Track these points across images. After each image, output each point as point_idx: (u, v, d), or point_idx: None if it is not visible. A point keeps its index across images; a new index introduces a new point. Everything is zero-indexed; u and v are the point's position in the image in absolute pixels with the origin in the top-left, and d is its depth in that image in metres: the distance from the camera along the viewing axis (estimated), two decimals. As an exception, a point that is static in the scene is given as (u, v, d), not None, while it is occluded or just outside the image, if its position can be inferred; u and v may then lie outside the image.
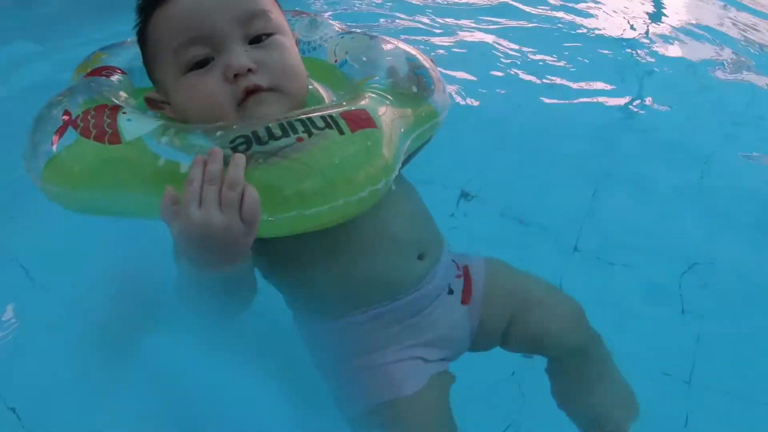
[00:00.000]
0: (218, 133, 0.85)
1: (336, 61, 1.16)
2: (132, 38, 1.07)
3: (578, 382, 1.22)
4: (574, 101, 2.36)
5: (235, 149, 0.82)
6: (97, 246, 1.49)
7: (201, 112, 0.94)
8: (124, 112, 0.90)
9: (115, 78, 1.06)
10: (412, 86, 1.05)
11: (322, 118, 0.87)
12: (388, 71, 1.06)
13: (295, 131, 0.84)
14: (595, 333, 1.23)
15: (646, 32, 3.16)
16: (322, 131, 0.85)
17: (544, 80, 2.44)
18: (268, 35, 0.99)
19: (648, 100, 2.43)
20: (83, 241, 1.44)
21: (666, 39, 3.11)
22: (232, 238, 0.79)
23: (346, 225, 0.90)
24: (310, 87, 1.08)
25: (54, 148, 0.89)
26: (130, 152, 0.85)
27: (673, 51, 2.99)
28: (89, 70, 1.08)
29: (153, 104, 1.02)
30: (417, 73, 1.08)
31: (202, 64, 0.95)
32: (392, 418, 1.02)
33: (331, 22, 1.27)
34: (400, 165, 0.96)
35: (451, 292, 1.12)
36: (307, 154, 0.82)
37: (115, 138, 0.86)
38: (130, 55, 1.14)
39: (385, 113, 0.95)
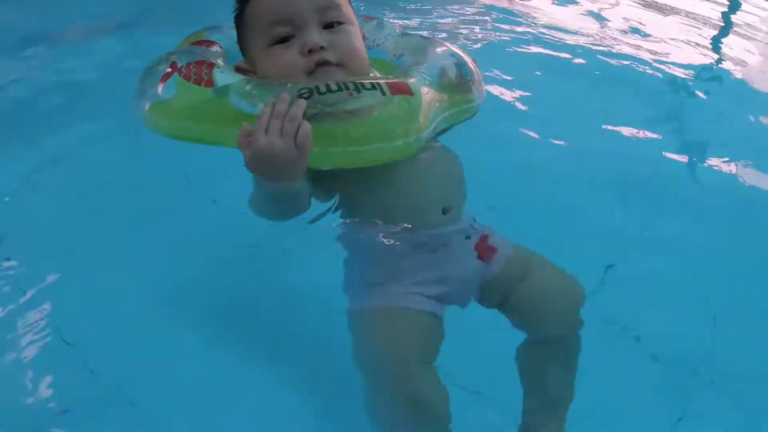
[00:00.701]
0: (288, 85, 1.08)
1: (394, 55, 1.40)
2: (227, 23, 1.34)
3: (543, 365, 1.33)
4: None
5: (300, 96, 1.05)
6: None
7: (279, 77, 1.17)
8: (218, 67, 1.15)
9: (213, 48, 1.33)
10: (452, 76, 1.27)
11: (371, 83, 1.10)
12: (433, 62, 1.29)
13: (348, 89, 1.07)
14: (580, 322, 1.32)
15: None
16: (369, 91, 1.08)
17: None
18: (339, 23, 1.23)
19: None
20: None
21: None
22: (288, 160, 1.01)
23: (386, 168, 1.13)
24: (370, 74, 1.30)
25: (159, 90, 1.15)
26: (218, 97, 1.10)
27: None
28: (192, 41, 1.35)
29: (242, 72, 1.25)
30: (458, 65, 1.30)
31: (284, 40, 1.19)
32: (375, 322, 1.19)
33: (393, 23, 1.51)
34: (431, 129, 1.17)
35: (468, 237, 1.28)
36: (355, 105, 1.05)
37: (210, 83, 1.10)
38: (225, 36, 1.40)
39: (424, 90, 1.17)
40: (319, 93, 1.05)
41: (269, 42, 1.20)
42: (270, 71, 1.20)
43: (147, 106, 1.16)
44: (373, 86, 1.08)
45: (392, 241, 1.22)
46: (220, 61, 1.26)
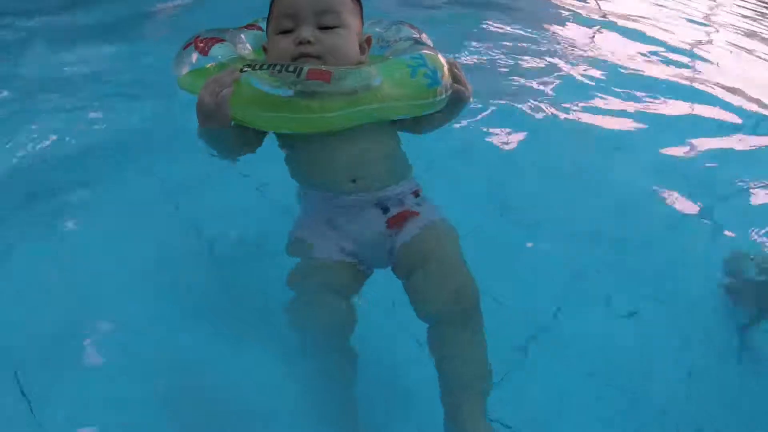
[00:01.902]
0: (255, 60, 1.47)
1: (390, 54, 1.63)
2: None
3: (440, 348, 1.45)
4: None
5: (241, 70, 1.39)
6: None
7: (273, 57, 1.53)
8: (221, 42, 1.55)
9: (254, 32, 1.72)
10: (421, 76, 1.46)
11: (294, 67, 1.38)
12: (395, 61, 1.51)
13: (274, 68, 1.37)
14: (470, 320, 1.44)
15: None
16: (288, 73, 1.36)
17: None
18: (334, 27, 1.52)
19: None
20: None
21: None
22: (208, 111, 1.38)
23: (305, 142, 1.51)
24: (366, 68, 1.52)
25: (193, 59, 1.55)
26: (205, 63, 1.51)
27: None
28: (247, 24, 1.76)
29: (265, 50, 1.63)
30: (414, 66, 1.47)
31: (286, 31, 1.53)
32: (298, 251, 1.56)
33: (411, 28, 1.75)
34: (351, 112, 1.39)
35: (386, 211, 1.56)
36: (274, 83, 1.36)
37: (205, 53, 1.52)
38: None
39: (364, 79, 1.39)
40: (254, 68, 1.38)
41: (276, 30, 1.54)
42: (272, 52, 1.56)
43: (174, 64, 1.59)
44: (294, 69, 1.37)
45: (319, 200, 1.60)
46: (245, 41, 1.64)
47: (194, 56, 1.52)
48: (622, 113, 2.92)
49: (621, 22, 4.61)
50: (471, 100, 1.63)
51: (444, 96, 1.51)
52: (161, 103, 2.47)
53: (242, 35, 1.67)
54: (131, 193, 2.06)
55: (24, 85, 2.68)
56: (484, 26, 4.04)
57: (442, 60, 1.54)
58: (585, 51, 3.78)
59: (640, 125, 2.82)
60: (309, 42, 1.48)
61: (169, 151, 2.21)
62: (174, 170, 2.14)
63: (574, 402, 1.62)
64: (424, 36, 1.74)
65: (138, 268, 1.78)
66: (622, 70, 3.49)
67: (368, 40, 1.64)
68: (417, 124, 1.62)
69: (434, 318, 1.46)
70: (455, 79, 1.56)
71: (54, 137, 2.26)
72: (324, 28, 1.51)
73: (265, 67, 1.38)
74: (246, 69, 1.39)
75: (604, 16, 4.79)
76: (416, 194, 1.64)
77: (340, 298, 1.49)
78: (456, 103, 1.58)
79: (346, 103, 1.38)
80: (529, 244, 2.07)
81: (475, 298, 1.46)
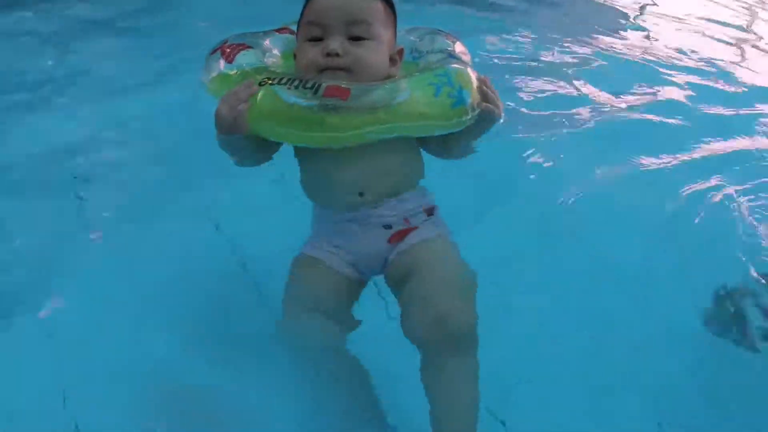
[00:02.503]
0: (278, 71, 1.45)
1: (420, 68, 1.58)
2: None
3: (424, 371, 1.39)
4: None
5: (260, 83, 1.39)
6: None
7: (301, 66, 1.51)
8: (248, 49, 1.54)
9: (285, 35, 1.69)
10: (445, 95, 1.41)
11: (313, 83, 1.36)
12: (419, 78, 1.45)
13: (291, 83, 1.37)
14: (457, 349, 1.36)
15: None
16: (306, 89, 1.35)
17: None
18: (363, 39, 1.48)
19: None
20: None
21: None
22: (225, 122, 1.41)
23: (313, 156, 1.52)
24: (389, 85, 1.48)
25: (221, 66, 1.54)
26: (230, 70, 1.50)
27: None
28: (278, 28, 1.73)
29: (295, 56, 1.60)
30: (437, 84, 1.42)
31: (315, 39, 1.50)
32: (295, 264, 1.59)
33: (446, 38, 1.68)
34: (367, 129, 1.36)
35: (388, 227, 1.55)
36: (291, 97, 1.36)
37: (230, 60, 1.52)
38: None
39: (383, 98, 1.37)
40: (272, 82, 1.38)
41: (305, 38, 1.51)
42: (300, 61, 1.53)
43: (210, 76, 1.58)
44: (312, 86, 1.35)
45: (326, 214, 1.62)
46: (274, 47, 1.63)
47: (221, 63, 1.51)
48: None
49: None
50: (502, 118, 1.56)
51: (469, 116, 1.46)
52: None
53: (271, 40, 1.65)
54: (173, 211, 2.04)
55: (61, 88, 2.75)
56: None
57: (472, 77, 1.49)
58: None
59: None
60: (337, 54, 1.45)
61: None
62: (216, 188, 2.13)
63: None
64: (458, 46, 1.67)
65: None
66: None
67: (400, 52, 1.60)
68: (444, 143, 1.57)
69: (418, 343, 1.40)
70: (484, 97, 1.50)
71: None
72: (354, 38, 1.47)
73: (284, 81, 1.37)
74: (265, 82, 1.38)
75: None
76: (430, 212, 1.60)
77: (328, 319, 1.49)
78: (485, 122, 1.52)
79: (363, 122, 1.36)
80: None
81: (462, 325, 1.37)
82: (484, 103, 1.49)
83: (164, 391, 1.50)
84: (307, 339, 1.48)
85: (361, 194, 1.53)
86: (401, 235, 1.55)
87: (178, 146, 2.30)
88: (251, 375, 1.53)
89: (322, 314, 1.49)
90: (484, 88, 1.51)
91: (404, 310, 1.45)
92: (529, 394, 1.58)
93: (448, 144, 1.59)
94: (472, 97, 1.45)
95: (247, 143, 1.48)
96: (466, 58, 1.64)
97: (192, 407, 1.49)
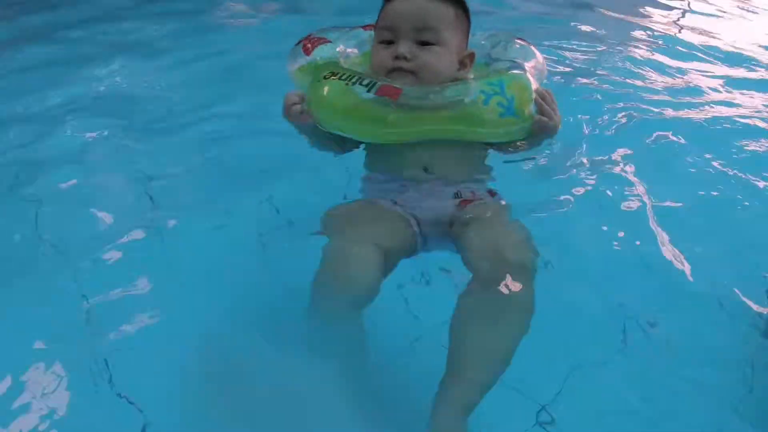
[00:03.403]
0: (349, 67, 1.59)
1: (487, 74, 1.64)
2: None
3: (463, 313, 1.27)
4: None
5: (332, 75, 1.52)
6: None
7: (373, 66, 1.63)
8: (327, 43, 1.66)
9: (369, 31, 1.78)
10: (494, 104, 1.48)
11: (369, 80, 1.47)
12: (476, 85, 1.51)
13: (351, 79, 1.48)
14: (507, 287, 1.25)
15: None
16: (360, 86, 1.46)
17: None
18: (432, 44, 1.57)
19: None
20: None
21: None
22: (286, 118, 1.58)
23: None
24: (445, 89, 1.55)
25: (300, 57, 1.67)
26: (308, 64, 1.63)
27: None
28: (365, 25, 1.84)
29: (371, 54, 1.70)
30: (487, 94, 1.49)
31: (387, 42, 1.61)
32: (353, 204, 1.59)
33: (519, 46, 1.74)
34: (396, 130, 1.48)
35: (457, 195, 1.53)
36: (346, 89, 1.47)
37: (308, 53, 1.65)
38: None
39: (433, 102, 1.45)
40: (334, 77, 1.51)
41: (378, 40, 1.64)
42: (372, 60, 1.65)
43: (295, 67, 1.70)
44: (367, 84, 1.46)
45: (384, 179, 1.63)
46: (354, 43, 1.76)
47: (301, 54, 1.65)
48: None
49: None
50: (557, 130, 1.59)
51: (518, 127, 1.51)
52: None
53: (353, 36, 1.77)
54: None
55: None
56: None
57: (529, 88, 1.53)
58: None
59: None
60: (405, 58, 1.55)
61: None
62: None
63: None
64: (533, 55, 1.72)
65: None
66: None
67: (471, 56, 1.67)
68: (500, 148, 1.63)
69: (472, 269, 1.34)
70: (540, 109, 1.54)
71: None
72: (422, 43, 1.57)
73: (344, 77, 1.49)
74: (327, 76, 1.51)
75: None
76: (492, 194, 1.59)
77: (378, 251, 1.32)
78: (538, 133, 1.57)
79: (411, 121, 1.46)
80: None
81: (522, 263, 1.31)
82: (537, 116, 1.53)
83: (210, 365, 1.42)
84: (350, 270, 1.28)
85: (425, 169, 1.58)
86: (468, 202, 1.54)
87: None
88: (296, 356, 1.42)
89: (377, 247, 1.32)
90: (540, 100, 1.55)
91: (466, 244, 1.40)
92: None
93: (504, 149, 1.64)
94: (524, 108, 1.50)
95: (315, 131, 1.60)
96: (538, 68, 1.68)
97: (236, 384, 1.47)
